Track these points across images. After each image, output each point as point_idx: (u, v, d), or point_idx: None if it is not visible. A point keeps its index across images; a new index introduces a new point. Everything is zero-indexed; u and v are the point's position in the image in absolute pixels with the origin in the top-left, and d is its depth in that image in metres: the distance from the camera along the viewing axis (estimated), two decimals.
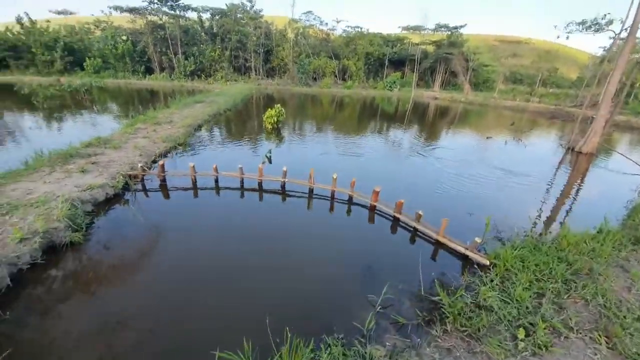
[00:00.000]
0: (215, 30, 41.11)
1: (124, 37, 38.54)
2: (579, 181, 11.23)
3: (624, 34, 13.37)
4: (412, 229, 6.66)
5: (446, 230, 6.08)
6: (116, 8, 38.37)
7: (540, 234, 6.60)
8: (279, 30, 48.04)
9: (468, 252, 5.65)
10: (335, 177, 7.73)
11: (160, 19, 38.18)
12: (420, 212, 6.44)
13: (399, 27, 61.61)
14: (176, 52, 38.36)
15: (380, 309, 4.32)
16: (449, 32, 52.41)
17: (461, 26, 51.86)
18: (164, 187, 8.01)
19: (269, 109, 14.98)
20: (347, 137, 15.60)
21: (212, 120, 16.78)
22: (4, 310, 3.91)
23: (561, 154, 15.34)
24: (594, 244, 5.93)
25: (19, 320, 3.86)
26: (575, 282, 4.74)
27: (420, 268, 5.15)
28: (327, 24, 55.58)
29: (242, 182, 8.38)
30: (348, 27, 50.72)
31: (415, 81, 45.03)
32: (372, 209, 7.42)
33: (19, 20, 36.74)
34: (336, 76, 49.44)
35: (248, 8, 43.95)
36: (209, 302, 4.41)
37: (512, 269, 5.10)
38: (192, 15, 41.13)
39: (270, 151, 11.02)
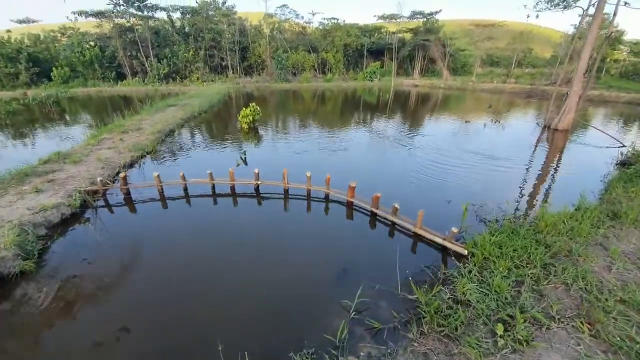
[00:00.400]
0: (187, 30, 39.71)
1: (91, 43, 36.79)
2: (556, 159, 11.24)
3: (591, 10, 13.38)
4: (390, 223, 6.41)
5: (426, 222, 5.86)
6: (81, 13, 36.53)
7: (519, 218, 6.47)
8: (254, 26, 46.91)
9: (446, 243, 5.44)
10: (309, 175, 7.39)
11: (128, 22, 36.55)
12: (397, 205, 6.19)
13: (375, 15, 61.15)
14: (148, 55, 36.90)
15: (354, 314, 4.05)
16: (425, 19, 52.43)
17: (436, 12, 51.84)
18: (129, 201, 7.49)
19: (244, 108, 14.44)
20: (328, 132, 15.25)
21: (185, 124, 16.11)
22: None
23: (538, 132, 15.44)
24: (573, 222, 5.81)
25: None
26: (554, 266, 4.58)
27: (398, 265, 4.90)
28: (302, 17, 54.45)
29: (213, 188, 7.94)
30: (324, 19, 49.95)
31: (394, 70, 44.78)
32: (350, 205, 7.13)
33: None
34: (316, 70, 48.80)
35: (220, 4, 42.66)
36: (163, 324, 4.04)
37: (490, 257, 4.91)
38: (162, 15, 39.64)
39: (244, 152, 10.57)
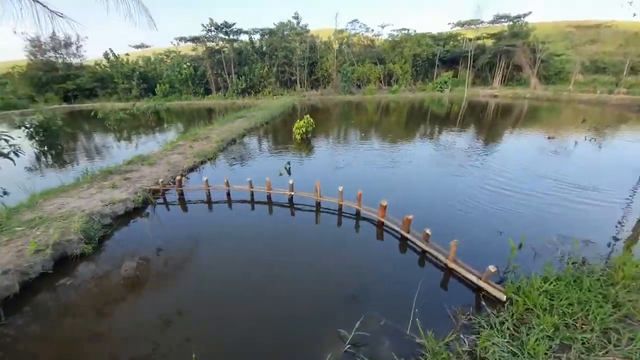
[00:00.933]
0: (264, 49, 43.68)
1: (187, 64, 43.40)
2: None
3: None
4: (420, 251, 5.77)
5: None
6: (181, 39, 43.60)
7: (589, 264, 5.11)
8: (324, 42, 48.92)
9: (481, 283, 4.61)
10: (341, 190, 7.20)
11: (217, 45, 42.09)
12: (428, 231, 5.54)
13: (449, 23, 57.66)
14: (230, 72, 41.69)
15: (349, 347, 3.70)
16: (511, 23, 47.29)
17: (525, 14, 46.38)
18: (182, 201, 8.44)
19: (298, 120, 15.03)
20: (381, 146, 14.77)
21: (247, 134, 17.53)
22: (7, 315, 4.37)
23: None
24: None
25: (17, 326, 4.26)
26: (619, 333, 3.45)
27: (416, 299, 4.35)
28: (372, 30, 54.70)
29: (252, 195, 8.39)
30: (394, 30, 49.12)
31: (468, 79, 41.25)
32: (380, 225, 6.68)
33: (105, 56, 44.21)
34: (381, 81, 48.18)
35: (295, 24, 45.84)
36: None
37: (535, 308, 3.97)
38: (245, 37, 44.45)
39: (289, 163, 10.92)
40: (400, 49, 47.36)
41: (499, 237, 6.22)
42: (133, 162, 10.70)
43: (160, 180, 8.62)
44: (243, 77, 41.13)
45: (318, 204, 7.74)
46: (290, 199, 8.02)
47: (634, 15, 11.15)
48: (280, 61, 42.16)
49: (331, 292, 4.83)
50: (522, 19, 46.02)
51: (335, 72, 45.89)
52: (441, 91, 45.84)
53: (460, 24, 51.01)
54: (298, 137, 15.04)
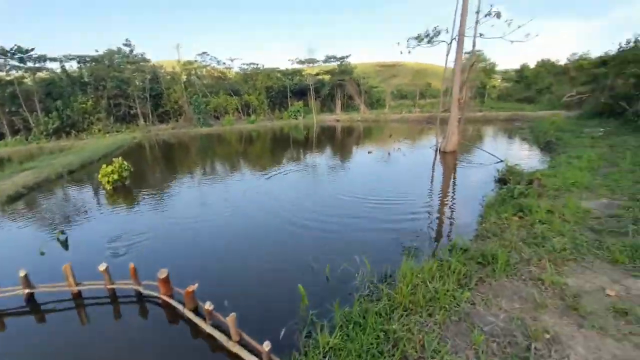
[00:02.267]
0: (86, 79, 35.27)
1: None
2: (444, 186, 10.71)
3: (454, 45, 14.34)
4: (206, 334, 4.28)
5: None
6: None
7: (377, 289, 4.83)
8: (169, 73, 44.35)
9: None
10: (103, 268, 4.96)
11: (8, 75, 30.91)
12: (208, 306, 4.11)
13: (289, 59, 64.03)
14: (33, 109, 31.18)
15: None
16: (339, 62, 56.41)
17: (347, 56, 56.12)
18: None
19: (105, 165, 11.52)
20: (218, 182, 13.08)
21: (29, 192, 12.32)
22: None
23: (432, 157, 15.55)
24: (437, 282, 4.43)
25: None
26: None
27: None
28: (224, 63, 53.88)
29: None
30: (244, 64, 49.83)
31: (315, 108, 45.76)
32: (167, 305, 4.85)
33: None
34: (239, 112, 47.49)
35: (127, 52, 39.54)
36: None
37: None
38: (55, 65, 34.71)
39: (62, 232, 7.64)
40: (252, 82, 48.26)
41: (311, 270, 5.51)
42: None
43: None
44: (55, 113, 31.48)
45: (77, 295, 5.17)
46: (29, 298, 5.10)
47: (401, 53, 14.24)
48: (111, 93, 34.93)
49: None
50: (345, 59, 55.45)
51: (187, 104, 41.95)
52: (296, 119, 49.14)
53: (302, 62, 57.04)
54: (108, 186, 11.48)
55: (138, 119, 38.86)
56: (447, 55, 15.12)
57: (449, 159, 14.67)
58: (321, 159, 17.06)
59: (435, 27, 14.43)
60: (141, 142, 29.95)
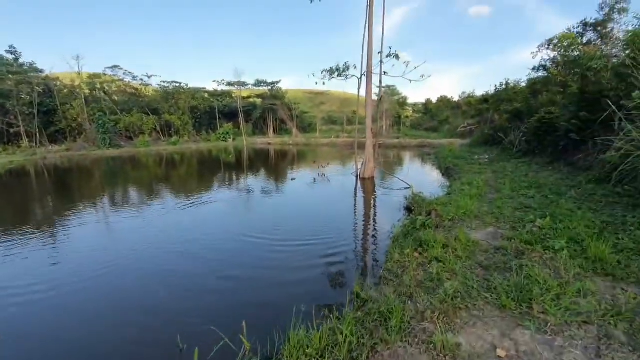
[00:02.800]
0: None
1: None
2: (368, 218, 10.29)
3: (364, 79, 14.90)
4: None
5: None
6: None
7: None
8: (66, 86, 37.49)
9: None
10: None
11: None
12: None
13: (214, 81, 62.04)
14: None
15: None
16: (270, 87, 56.42)
17: (278, 82, 56.55)
18: None
19: None
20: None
21: None
22: None
23: (353, 183, 15.51)
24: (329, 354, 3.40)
25: None
26: None
27: None
28: (141, 79, 48.35)
29: None
30: (164, 82, 45.43)
31: (244, 130, 43.93)
32: None
33: None
34: (159, 132, 42.50)
35: (11, 61, 32.09)
36: None
37: None
38: None
39: None
40: (174, 101, 44.13)
41: None
42: None
43: None
44: None
45: None
46: None
47: (316, 83, 14.11)
48: None
49: None
50: (276, 85, 55.77)
51: (88, 122, 35.63)
52: (225, 141, 46.40)
53: (230, 84, 55.24)
54: None
55: (21, 138, 31.15)
56: (359, 88, 15.72)
57: (368, 185, 14.74)
58: (240, 188, 15.49)
59: (345, 63, 14.98)
60: (22, 167, 23.68)
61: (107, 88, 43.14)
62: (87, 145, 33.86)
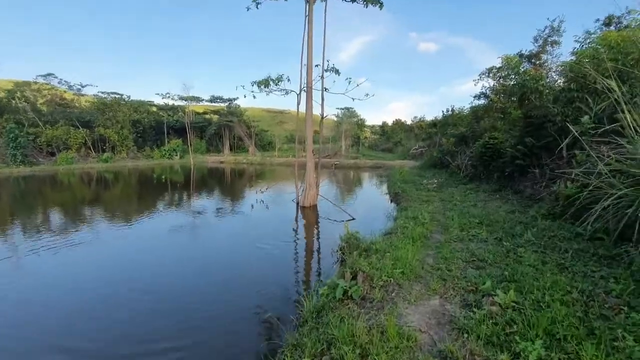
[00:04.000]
0: None
1: None
2: (309, 267, 7.83)
3: (304, 95, 13.01)
4: None
5: None
6: None
7: None
8: None
9: None
10: None
11: None
12: None
13: (157, 94, 57.58)
14: None
15: None
16: (227, 104, 53.38)
17: (235, 98, 53.79)
18: None
19: None
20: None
21: None
22: None
23: (293, 211, 13.19)
24: None
25: None
26: None
27: None
28: (78, 88, 42.41)
29: None
30: (101, 92, 40.18)
31: (191, 147, 39.81)
32: None
33: None
34: (89, 148, 36.69)
35: None
36: None
37: None
38: None
39: None
40: (112, 113, 38.85)
41: None
42: None
43: None
44: None
45: None
46: None
47: (245, 96, 11.70)
48: None
49: None
50: (233, 101, 52.92)
51: (2, 136, 29.38)
52: (170, 158, 41.82)
53: (184, 98, 51.12)
54: None
55: None
56: (298, 105, 13.82)
57: (310, 216, 12.49)
58: (164, 217, 12.28)
59: (280, 75, 12.95)
60: None
61: (31, 97, 36.82)
62: None
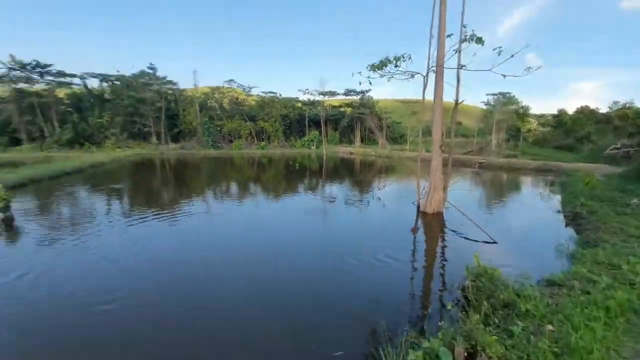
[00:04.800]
0: (106, 96, 36.79)
1: None
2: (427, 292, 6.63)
3: (432, 77, 10.80)
4: None
5: None
6: None
7: None
8: (186, 96, 45.59)
9: None
10: None
11: (32, 87, 32.96)
12: None
13: (299, 90, 63.75)
14: (49, 119, 32.48)
15: None
16: (359, 96, 54.41)
17: (367, 90, 53.96)
18: None
19: None
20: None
21: None
22: None
23: (413, 217, 11.47)
24: None
25: None
26: None
27: None
28: (248, 89, 54.70)
29: None
30: (262, 92, 49.81)
31: (325, 139, 43.07)
32: None
33: None
34: (253, 137, 46.62)
35: (152, 74, 41.39)
36: None
37: None
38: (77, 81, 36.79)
39: None
40: (269, 109, 47.57)
41: None
42: None
43: None
44: (70, 125, 32.46)
45: None
46: None
47: (360, 83, 10.75)
48: (126, 110, 35.79)
49: None
50: (366, 93, 53.22)
51: (200, 126, 42.10)
52: (309, 148, 47.09)
53: (323, 93, 55.95)
54: None
55: (151, 136, 39.27)
56: (424, 89, 11.48)
57: (431, 225, 10.46)
58: (288, 204, 13.76)
59: (403, 54, 10.75)
60: (143, 158, 29.27)
61: (219, 98, 50.22)
62: (195, 145, 39.79)
